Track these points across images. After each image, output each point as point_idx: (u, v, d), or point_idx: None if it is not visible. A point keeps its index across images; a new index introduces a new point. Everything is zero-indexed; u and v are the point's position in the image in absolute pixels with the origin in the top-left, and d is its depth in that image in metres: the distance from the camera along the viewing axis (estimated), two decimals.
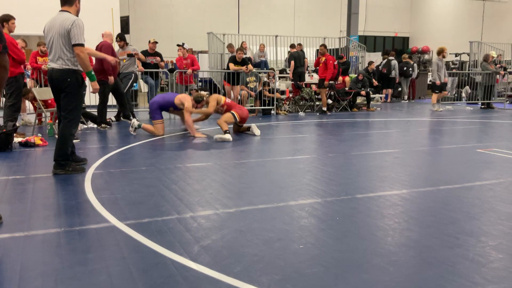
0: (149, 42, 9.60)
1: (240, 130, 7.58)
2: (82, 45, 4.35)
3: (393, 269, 2.39)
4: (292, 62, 11.70)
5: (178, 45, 10.28)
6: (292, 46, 12.68)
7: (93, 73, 4.58)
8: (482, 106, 12.88)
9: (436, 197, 3.78)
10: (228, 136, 6.70)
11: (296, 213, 3.32)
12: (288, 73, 12.32)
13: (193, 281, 2.24)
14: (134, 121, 7.19)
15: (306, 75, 12.04)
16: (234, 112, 7.16)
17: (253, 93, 10.74)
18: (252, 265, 2.43)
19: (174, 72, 10.11)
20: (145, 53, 9.53)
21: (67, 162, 4.50)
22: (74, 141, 6.34)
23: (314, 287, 2.19)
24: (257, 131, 7.32)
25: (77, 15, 4.48)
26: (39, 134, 6.72)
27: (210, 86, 11.75)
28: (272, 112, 10.69)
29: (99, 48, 7.83)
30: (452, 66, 15.38)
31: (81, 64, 4.42)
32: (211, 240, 2.77)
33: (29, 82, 8.98)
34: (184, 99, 7.13)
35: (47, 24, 4.49)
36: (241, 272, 2.34)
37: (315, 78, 12.01)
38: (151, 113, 7.28)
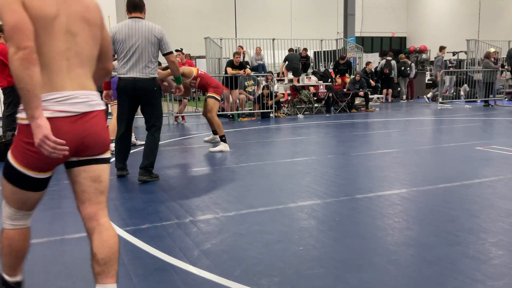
0: None
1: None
2: (172, 52, 4.41)
3: (393, 268, 2.39)
4: (284, 63, 12.52)
5: (177, 50, 10.31)
6: (290, 50, 13.13)
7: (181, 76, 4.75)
8: (485, 104, 12.86)
9: (436, 196, 3.78)
10: (224, 147, 6.16)
11: (296, 215, 3.32)
12: (287, 78, 12.48)
13: (193, 285, 2.24)
14: None
15: (304, 77, 12.08)
16: (212, 95, 6.30)
17: (251, 97, 10.75)
18: (252, 267, 2.43)
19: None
20: None
21: (152, 169, 4.52)
22: None
23: None
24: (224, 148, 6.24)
25: None
26: None
27: None
28: (271, 115, 10.70)
29: None
30: (450, 65, 15.37)
31: (174, 70, 4.46)
32: (210, 244, 2.77)
33: None
34: None
35: (120, 30, 4.20)
36: (241, 275, 2.34)
37: (313, 80, 12.03)
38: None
